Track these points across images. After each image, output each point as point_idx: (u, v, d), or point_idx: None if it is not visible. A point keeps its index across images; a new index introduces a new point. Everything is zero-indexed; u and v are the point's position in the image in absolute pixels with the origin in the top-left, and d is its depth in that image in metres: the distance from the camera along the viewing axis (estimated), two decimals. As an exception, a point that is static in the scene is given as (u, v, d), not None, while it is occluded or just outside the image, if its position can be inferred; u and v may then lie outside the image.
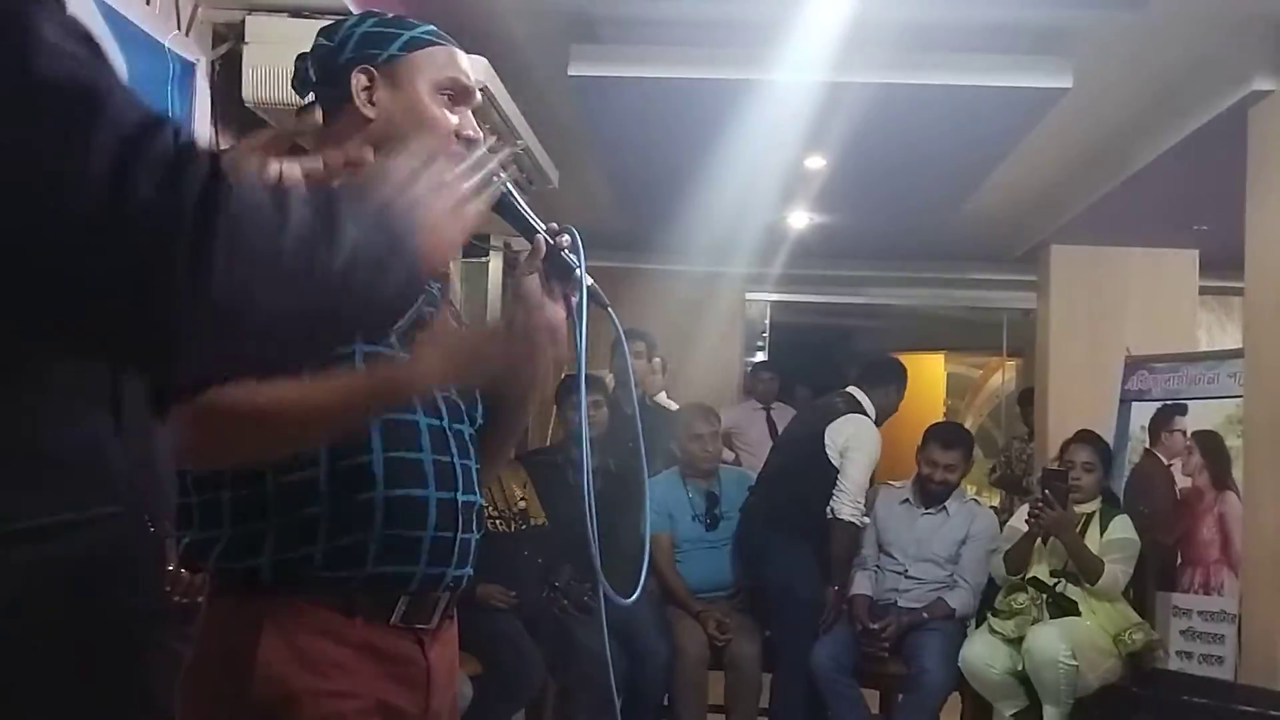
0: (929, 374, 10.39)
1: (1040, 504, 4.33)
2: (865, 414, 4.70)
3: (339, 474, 1.48)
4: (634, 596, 1.50)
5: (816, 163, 5.25)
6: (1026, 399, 6.99)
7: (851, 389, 4.82)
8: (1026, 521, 4.38)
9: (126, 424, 0.96)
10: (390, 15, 1.65)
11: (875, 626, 4.47)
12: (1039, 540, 4.37)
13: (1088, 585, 4.23)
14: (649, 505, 4.74)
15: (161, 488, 1.03)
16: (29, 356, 0.87)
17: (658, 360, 5.91)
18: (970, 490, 5.13)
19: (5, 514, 0.86)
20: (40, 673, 0.88)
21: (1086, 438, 4.57)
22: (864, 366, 5.06)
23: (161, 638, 0.99)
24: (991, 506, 6.04)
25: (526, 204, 1.59)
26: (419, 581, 1.53)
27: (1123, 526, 4.36)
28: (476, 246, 6.07)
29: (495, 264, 6.26)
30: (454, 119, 1.59)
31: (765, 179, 5.25)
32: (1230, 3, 3.63)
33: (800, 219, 6.51)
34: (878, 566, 4.69)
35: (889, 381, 4.85)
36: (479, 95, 1.66)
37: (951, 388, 10.44)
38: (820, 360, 10.22)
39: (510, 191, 1.58)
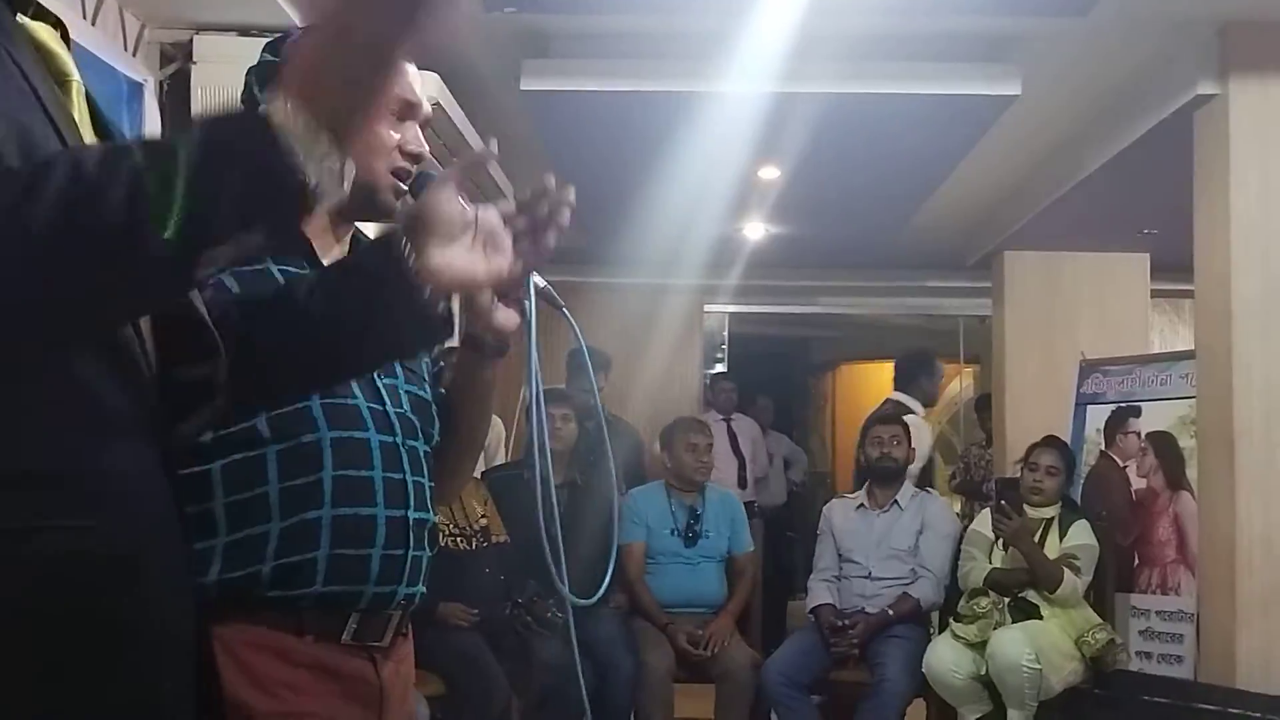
0: (887, 382, 10.44)
1: (997, 514, 4.37)
2: (913, 412, 5.38)
3: (289, 492, 1.46)
4: (596, 597, 1.48)
5: (770, 173, 5.27)
6: (984, 405, 7.04)
7: (894, 396, 5.51)
8: (993, 523, 4.41)
9: (118, 442, 0.96)
10: None
11: (842, 624, 4.48)
12: (998, 543, 4.41)
13: (1047, 594, 4.26)
14: (624, 513, 4.76)
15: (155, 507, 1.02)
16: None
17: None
18: (934, 492, 5.18)
19: None
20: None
21: (1052, 442, 4.60)
22: (896, 372, 5.74)
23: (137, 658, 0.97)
24: (955, 513, 6.08)
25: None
26: (369, 600, 1.51)
27: (1082, 532, 4.38)
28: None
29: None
30: (397, 135, 1.57)
31: (720, 190, 5.26)
32: (1173, 8, 3.68)
33: (756, 230, 6.53)
34: (837, 576, 4.70)
35: (918, 374, 5.62)
36: (427, 108, 1.64)
37: (910, 395, 10.49)
38: (779, 370, 10.27)
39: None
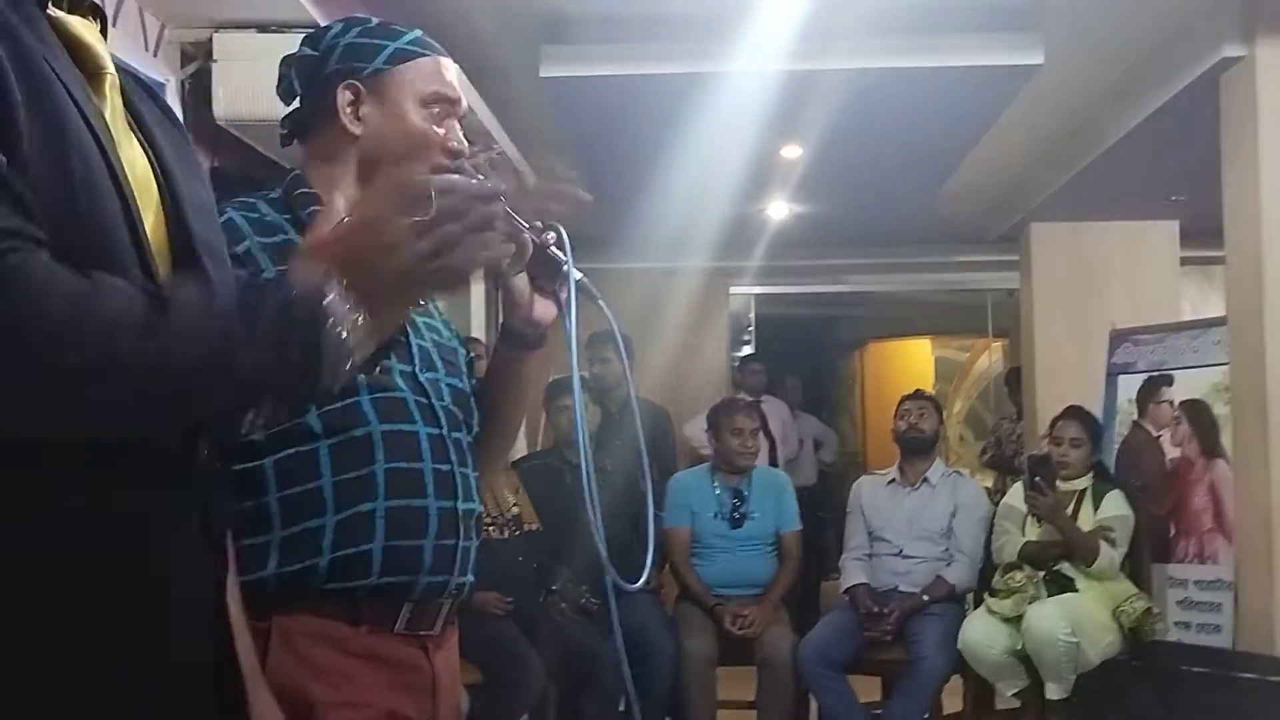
0: (916, 359, 10.40)
1: (1031, 491, 4.34)
2: None
3: (342, 486, 1.48)
4: (640, 581, 1.49)
5: (793, 152, 5.25)
6: (1014, 379, 7.01)
7: None
8: (1026, 501, 4.38)
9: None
10: (375, 23, 1.64)
11: (880, 610, 4.47)
12: (1030, 517, 4.38)
13: (1084, 568, 4.23)
14: (666, 498, 4.74)
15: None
16: None
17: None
18: (966, 473, 5.16)
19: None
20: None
21: (1074, 413, 4.57)
22: None
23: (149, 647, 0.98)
24: (985, 487, 6.05)
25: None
26: (422, 590, 1.53)
27: (1116, 503, 4.35)
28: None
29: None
30: (441, 131, 1.59)
31: (742, 170, 5.25)
32: (1196, -28, 3.64)
33: (780, 209, 6.51)
34: (869, 555, 4.69)
35: None
36: (465, 104, 1.65)
37: (939, 372, 10.45)
38: (807, 350, 10.24)
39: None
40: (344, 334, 0.94)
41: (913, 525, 4.65)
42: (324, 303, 0.94)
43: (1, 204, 0.85)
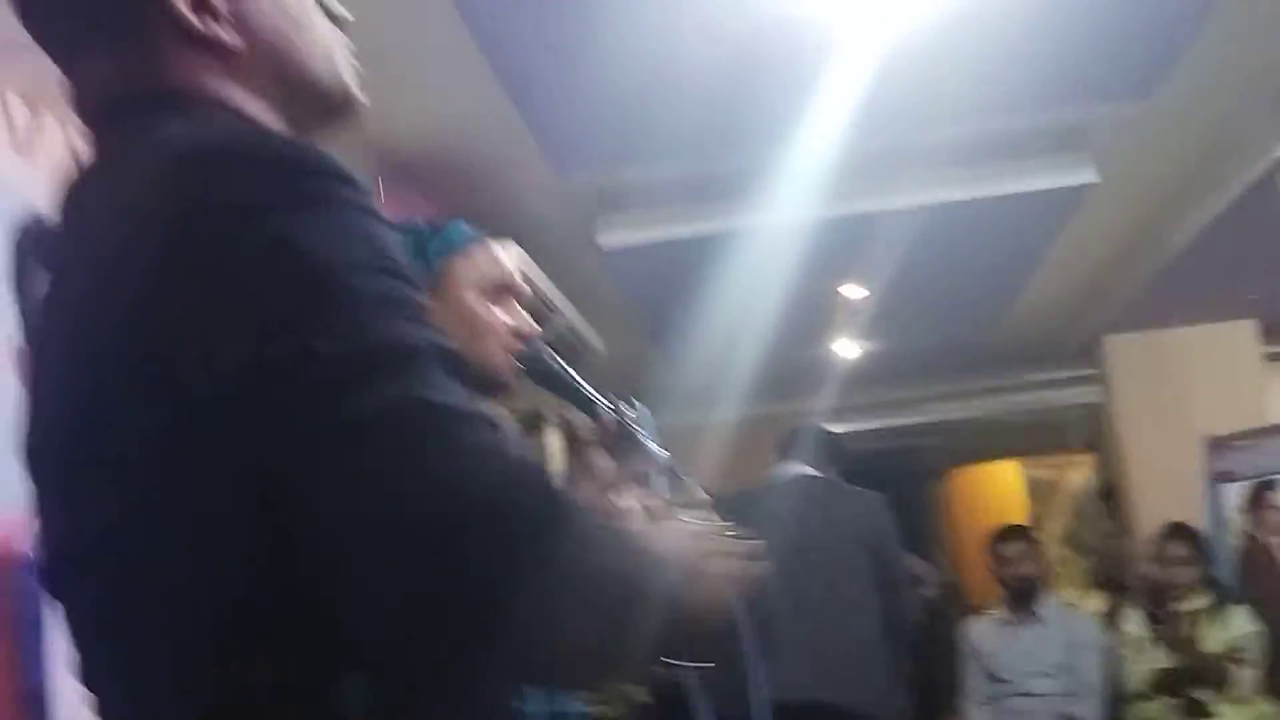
0: (1005, 482, 10.17)
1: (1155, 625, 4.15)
2: None
3: None
4: None
5: (856, 292, 5.25)
6: (1108, 493, 6.82)
7: None
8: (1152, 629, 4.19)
9: None
10: (422, 224, 1.65)
11: None
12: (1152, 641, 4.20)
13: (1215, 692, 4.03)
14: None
15: None
16: None
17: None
18: (1074, 603, 4.98)
19: None
20: None
21: (1176, 531, 4.40)
22: None
23: None
24: (1099, 610, 5.84)
25: (578, 375, 1.55)
26: None
27: (1243, 620, 4.15)
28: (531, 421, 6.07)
29: (553, 438, 6.24)
30: (504, 316, 1.58)
31: (807, 313, 5.24)
32: (1235, 73, 3.62)
33: (849, 348, 6.49)
34: (991, 698, 4.51)
35: None
36: (526, 286, 1.65)
37: (1032, 492, 10.22)
38: (891, 484, 10.06)
39: (562, 365, 1.55)
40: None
41: (1029, 661, 4.47)
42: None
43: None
